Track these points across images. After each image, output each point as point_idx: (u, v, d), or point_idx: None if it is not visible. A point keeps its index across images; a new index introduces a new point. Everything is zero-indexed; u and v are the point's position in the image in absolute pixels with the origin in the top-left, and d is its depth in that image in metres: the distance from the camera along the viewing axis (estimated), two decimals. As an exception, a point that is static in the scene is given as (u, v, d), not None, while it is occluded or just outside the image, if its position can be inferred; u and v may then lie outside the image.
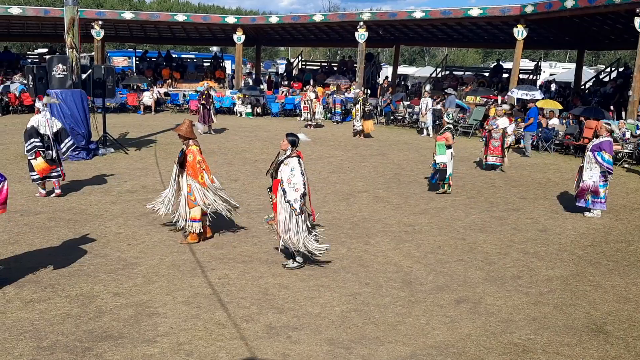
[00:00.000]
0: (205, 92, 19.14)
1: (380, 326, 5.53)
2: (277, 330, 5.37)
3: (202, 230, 7.78)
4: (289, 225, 6.67)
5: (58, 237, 7.82)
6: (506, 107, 14.84)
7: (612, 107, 19.33)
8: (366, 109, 19.29)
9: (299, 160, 6.75)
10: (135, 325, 5.37)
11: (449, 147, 11.10)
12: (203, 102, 18.85)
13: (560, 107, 19.69)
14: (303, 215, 6.71)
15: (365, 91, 21.81)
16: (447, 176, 11.12)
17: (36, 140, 9.76)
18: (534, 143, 17.70)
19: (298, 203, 6.63)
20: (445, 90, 22.86)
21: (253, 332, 5.34)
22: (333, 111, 23.47)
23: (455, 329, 5.54)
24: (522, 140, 16.56)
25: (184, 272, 6.75)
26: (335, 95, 23.73)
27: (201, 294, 6.15)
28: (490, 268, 7.26)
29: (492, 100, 22.27)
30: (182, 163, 7.57)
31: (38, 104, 10.47)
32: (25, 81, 23.60)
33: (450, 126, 11.54)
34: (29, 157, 9.80)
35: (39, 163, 9.73)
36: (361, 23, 24.59)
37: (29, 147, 9.74)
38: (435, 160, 11.09)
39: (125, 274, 6.63)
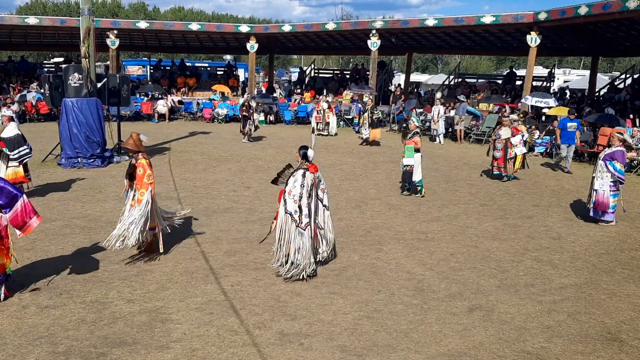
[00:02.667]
0: (246, 103, 19.27)
1: (392, 334, 5.53)
2: (289, 337, 5.39)
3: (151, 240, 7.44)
4: (290, 237, 6.67)
5: (73, 244, 7.91)
6: (514, 116, 14.63)
7: (630, 115, 19.17)
8: (374, 117, 19.28)
9: (304, 173, 6.77)
10: (149, 331, 5.42)
11: (417, 150, 11.24)
12: (245, 113, 18.99)
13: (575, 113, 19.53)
14: (307, 231, 6.68)
15: (372, 99, 21.69)
16: (418, 180, 11.39)
17: (25, 147, 9.89)
18: (548, 150, 17.61)
19: (297, 214, 6.65)
20: (457, 97, 22.77)
21: (265, 338, 5.35)
22: (359, 121, 22.52)
23: (468, 336, 5.52)
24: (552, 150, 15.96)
25: (197, 278, 6.80)
26: (359, 105, 23.07)
27: (214, 300, 6.18)
28: (503, 276, 7.23)
29: (504, 108, 22.18)
30: (131, 176, 7.32)
31: (7, 112, 10.57)
32: (42, 90, 24.01)
33: (418, 130, 11.57)
34: (15, 165, 9.86)
35: (19, 170, 9.87)
36: (374, 31, 24.60)
37: (19, 154, 9.83)
38: (402, 163, 11.35)
39: (139, 280, 6.69)
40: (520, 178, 13.64)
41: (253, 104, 19.37)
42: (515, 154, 13.23)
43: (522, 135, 13.47)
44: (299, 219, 6.65)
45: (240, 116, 19.73)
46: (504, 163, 13.28)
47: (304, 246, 6.66)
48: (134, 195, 7.20)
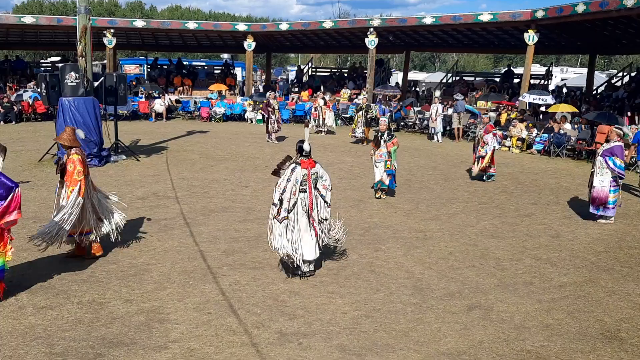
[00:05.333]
0: (265, 101, 19.17)
1: (391, 333, 5.50)
2: (288, 337, 5.36)
3: (89, 244, 7.28)
4: (271, 225, 6.80)
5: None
6: (492, 114, 14.52)
7: (628, 113, 19.19)
8: (368, 116, 19.22)
9: (293, 168, 6.79)
10: (147, 331, 5.39)
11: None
12: (263, 112, 18.94)
13: (575, 110, 19.54)
14: (290, 223, 6.70)
15: (366, 97, 21.65)
16: (378, 181, 11.06)
17: None
18: (546, 148, 17.60)
19: (277, 207, 6.70)
20: (454, 96, 22.78)
21: (264, 338, 5.33)
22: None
23: (467, 335, 5.50)
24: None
25: (195, 278, 6.77)
26: (382, 106, 22.03)
27: (212, 300, 6.15)
28: (502, 274, 7.21)
29: (504, 105, 22.19)
30: (62, 172, 7.09)
31: None
32: (38, 89, 23.89)
33: (393, 132, 11.34)
34: None
35: None
36: (371, 29, 24.61)
37: None
38: (394, 166, 10.99)
39: (137, 280, 6.65)
40: (517, 176, 13.64)
41: (274, 102, 19.12)
42: (487, 151, 12.85)
43: (494, 134, 13.08)
44: (278, 212, 6.71)
45: (263, 115, 19.62)
46: (475, 160, 13.17)
47: (281, 237, 6.70)
48: (64, 192, 7.04)
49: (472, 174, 13.31)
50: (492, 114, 14.50)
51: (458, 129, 20.65)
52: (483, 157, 12.92)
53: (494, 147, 12.98)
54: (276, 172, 7.10)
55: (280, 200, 6.70)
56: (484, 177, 13.10)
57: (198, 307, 5.97)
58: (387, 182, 11.01)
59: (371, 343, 5.29)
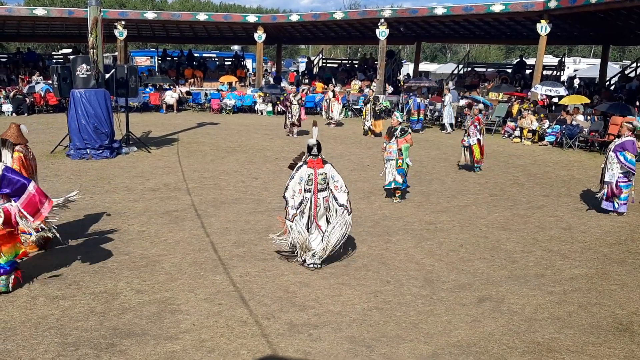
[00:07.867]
0: (284, 95, 19.19)
1: (401, 324, 5.51)
2: (298, 328, 5.38)
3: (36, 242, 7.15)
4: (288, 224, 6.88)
5: (82, 234, 7.92)
6: (481, 106, 14.45)
7: (637, 103, 18.97)
8: (377, 108, 19.13)
9: (300, 166, 6.86)
10: (158, 322, 5.43)
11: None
12: (281, 106, 18.99)
13: (588, 101, 19.34)
14: (294, 223, 6.76)
15: (373, 89, 21.66)
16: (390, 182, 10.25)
17: None
18: (558, 140, 17.47)
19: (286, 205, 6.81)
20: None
21: (274, 329, 5.35)
22: (418, 118, 20.37)
23: (477, 327, 5.49)
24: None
25: (206, 269, 6.80)
26: (417, 99, 20.74)
27: (223, 291, 6.18)
28: (513, 266, 7.18)
29: (516, 97, 22.03)
30: None
31: None
32: (43, 80, 24.04)
33: (406, 127, 10.79)
34: None
35: None
36: (382, 20, 24.50)
37: None
38: (406, 165, 10.15)
39: (148, 271, 6.70)
40: (529, 168, 13.54)
41: (291, 97, 18.97)
42: (469, 143, 12.82)
43: (475, 126, 12.88)
44: (286, 211, 6.82)
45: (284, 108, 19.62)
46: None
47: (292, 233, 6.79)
48: None
49: (459, 163, 13.37)
50: (481, 105, 14.52)
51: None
52: (468, 147, 12.95)
53: (478, 138, 12.88)
54: (292, 166, 7.18)
55: (285, 198, 6.80)
56: (475, 168, 13.10)
57: (209, 298, 6.00)
58: (400, 181, 10.17)
59: (381, 334, 5.30)
